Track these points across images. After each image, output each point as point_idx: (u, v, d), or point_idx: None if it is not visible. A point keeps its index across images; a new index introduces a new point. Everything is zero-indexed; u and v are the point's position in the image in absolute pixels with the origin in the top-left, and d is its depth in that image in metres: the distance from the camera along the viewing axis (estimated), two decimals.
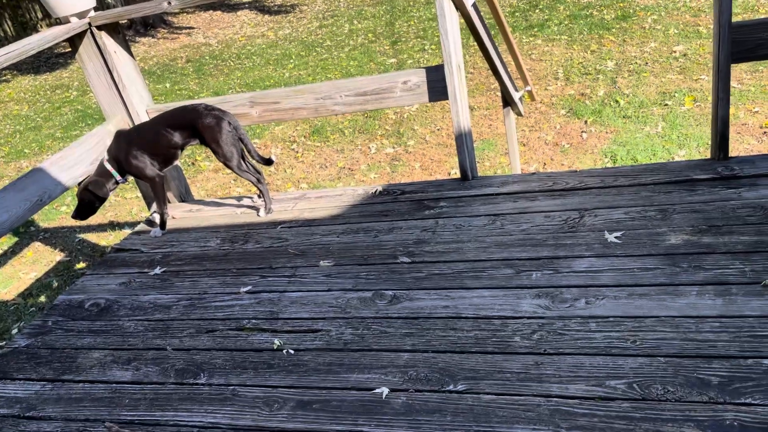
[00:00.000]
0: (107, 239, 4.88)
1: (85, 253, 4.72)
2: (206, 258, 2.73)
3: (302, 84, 7.80)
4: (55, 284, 4.33)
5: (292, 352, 2.04)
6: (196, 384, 2.00)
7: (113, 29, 3.00)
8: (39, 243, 5.04)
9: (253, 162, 2.98)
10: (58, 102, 9.64)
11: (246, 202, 3.18)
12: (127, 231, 4.92)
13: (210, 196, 5.31)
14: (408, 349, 1.93)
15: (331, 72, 8.10)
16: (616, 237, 2.20)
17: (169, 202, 3.34)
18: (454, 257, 2.32)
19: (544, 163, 4.71)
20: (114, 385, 2.08)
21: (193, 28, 12.97)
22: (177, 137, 2.85)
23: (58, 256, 4.76)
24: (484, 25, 2.98)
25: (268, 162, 2.98)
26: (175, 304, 2.45)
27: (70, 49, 2.59)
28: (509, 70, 3.44)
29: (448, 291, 2.14)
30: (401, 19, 10.12)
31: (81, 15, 2.90)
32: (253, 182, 2.94)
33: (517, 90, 3.49)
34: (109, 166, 2.83)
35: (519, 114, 3.69)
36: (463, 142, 2.77)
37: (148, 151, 2.85)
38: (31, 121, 8.87)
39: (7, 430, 1.98)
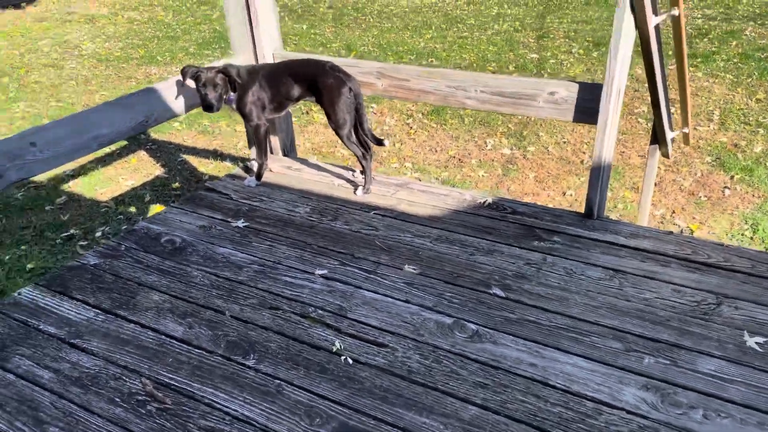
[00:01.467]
0: (207, 167, 4.88)
1: (183, 175, 4.73)
2: (291, 224, 2.56)
3: (435, 58, 7.52)
4: (147, 198, 4.36)
5: (350, 361, 1.84)
6: (243, 365, 1.84)
7: None
8: (144, 152, 5.12)
9: (364, 137, 2.77)
10: (200, 17, 9.85)
11: (346, 174, 2.99)
12: (228, 164, 4.89)
13: (315, 151, 5.19)
14: (478, 403, 1.68)
15: (467, 52, 7.75)
16: (757, 343, 1.82)
17: (272, 152, 3.20)
18: (555, 307, 2.02)
19: (673, 211, 4.23)
20: (163, 337, 1.96)
21: None
22: (295, 89, 2.70)
23: (158, 170, 4.80)
24: (660, 52, 2.59)
25: (379, 142, 2.77)
26: (247, 265, 2.30)
27: None
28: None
29: (540, 347, 1.85)
30: (554, 14, 9.54)
31: None
32: (358, 156, 2.74)
33: (672, 129, 3.06)
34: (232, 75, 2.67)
35: (665, 155, 3.26)
36: (599, 176, 2.43)
37: (266, 94, 2.71)
38: (171, 30, 9.11)
39: (48, 351, 1.91)
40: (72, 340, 1.95)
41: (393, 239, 2.43)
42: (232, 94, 2.69)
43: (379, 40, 8.37)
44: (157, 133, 5.45)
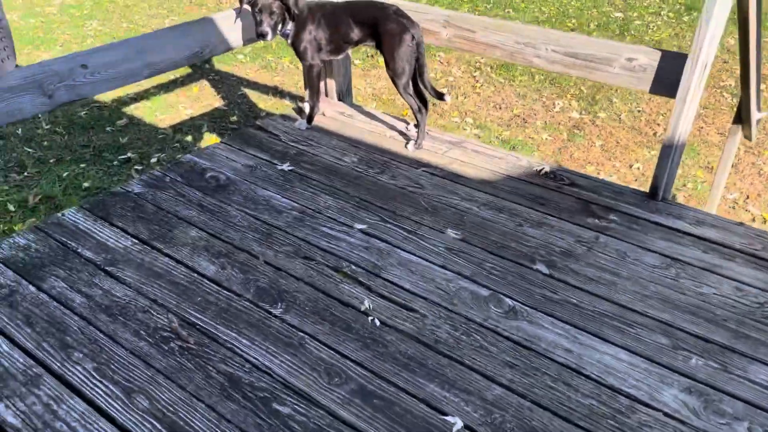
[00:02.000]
0: (266, 102, 4.83)
1: (242, 109, 4.71)
2: (337, 173, 2.49)
3: (512, 8, 7.15)
4: (205, 128, 4.37)
5: (377, 323, 1.78)
6: (270, 313, 1.80)
7: None
8: (206, 82, 5.11)
9: (422, 89, 2.64)
10: None
11: (400, 125, 2.87)
12: (287, 102, 4.83)
13: (375, 97, 5.06)
14: (504, 383, 1.60)
15: (547, 5, 7.33)
16: None
17: (326, 96, 3.11)
18: (602, 291, 1.89)
19: (747, 196, 3.94)
20: (195, 275, 1.95)
21: None
22: (356, 32, 2.57)
23: (218, 101, 4.80)
24: (759, 21, 2.32)
25: (440, 96, 2.63)
26: (287, 211, 2.26)
27: None
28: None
29: (579, 332, 1.74)
30: None
31: None
32: (413, 109, 2.61)
33: (760, 110, 2.79)
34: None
35: (748, 138, 3.00)
36: (670, 154, 2.24)
37: (324, 34, 2.59)
38: None
39: (83, 275, 1.93)
40: (107, 267, 1.96)
41: (438, 200, 2.33)
42: (289, 26, 2.58)
43: None
44: (220, 64, 5.43)
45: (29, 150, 3.93)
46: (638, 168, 4.24)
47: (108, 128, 4.26)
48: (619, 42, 2.30)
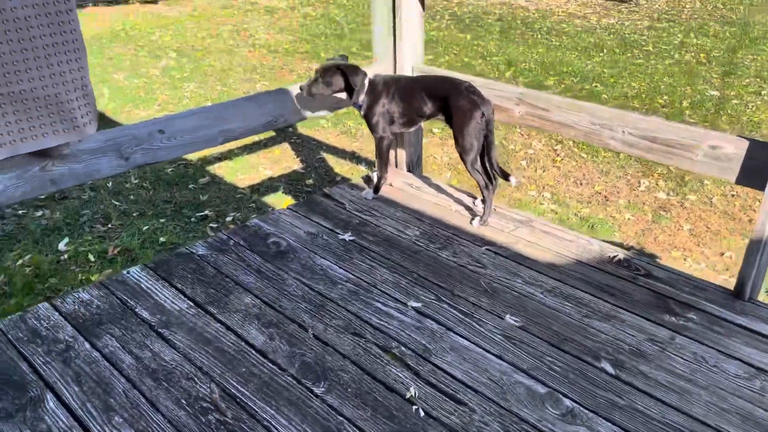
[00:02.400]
0: (342, 167, 4.92)
1: (318, 173, 4.81)
2: (397, 246, 2.45)
3: (600, 83, 7.04)
4: (281, 190, 4.47)
5: (422, 413, 1.68)
6: (311, 392, 1.74)
7: None
8: (288, 145, 5.28)
9: (490, 167, 2.59)
10: (369, 19, 10.09)
11: (467, 200, 2.81)
12: (362, 168, 4.90)
13: (450, 167, 5.05)
14: None
15: (637, 80, 7.18)
16: None
17: (396, 166, 3.11)
18: (673, 399, 1.71)
19: None
20: (243, 344, 1.93)
21: None
22: (428, 106, 2.57)
23: (297, 164, 4.93)
24: None
25: (506, 177, 2.56)
26: (342, 282, 2.22)
27: None
28: None
29: None
30: (748, 48, 8.58)
31: None
32: (480, 185, 2.55)
33: None
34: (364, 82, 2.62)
35: None
36: (760, 250, 2.04)
37: (397, 108, 2.61)
38: (339, 28, 9.40)
39: (136, 336, 1.95)
40: (160, 329, 1.98)
41: (500, 282, 2.23)
42: (362, 98, 2.62)
43: (544, 58, 8.03)
44: (302, 128, 5.61)
45: (116, 203, 4.15)
46: (730, 257, 3.95)
47: (191, 185, 4.44)
48: (702, 128, 2.16)
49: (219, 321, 2.02)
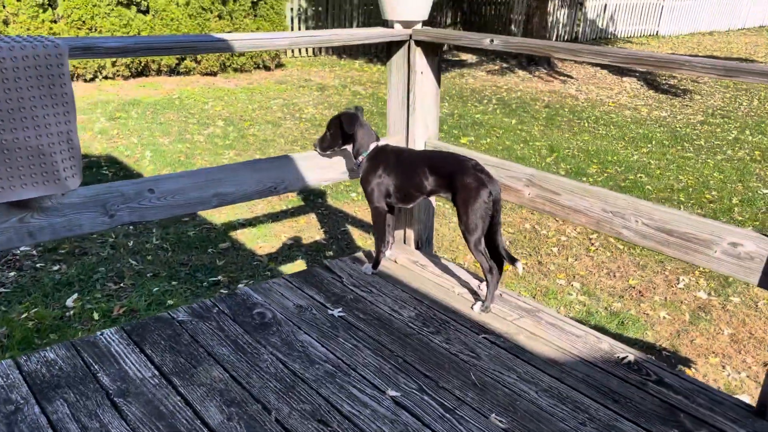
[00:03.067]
0: (365, 240, 4.82)
1: (340, 245, 4.72)
2: (387, 327, 2.29)
3: (645, 174, 6.82)
4: (299, 260, 4.40)
5: None
6: None
7: (431, 49, 2.72)
8: (314, 215, 5.24)
9: (497, 250, 2.44)
10: None
11: (473, 282, 2.64)
12: None
13: (459, 244, 4.86)
14: None
15: (685, 174, 6.94)
16: None
17: (405, 243, 2.98)
18: None
19: None
20: (198, 422, 1.78)
21: (571, 77, 12.65)
22: (429, 182, 2.46)
23: (319, 235, 4.86)
24: None
25: (512, 261, 2.40)
26: (320, 362, 2.06)
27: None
28: None
29: None
30: None
31: (407, 24, 2.68)
32: (483, 268, 2.39)
33: None
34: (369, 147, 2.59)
35: None
36: None
37: (395, 180, 2.51)
38: (384, 106, 9.57)
39: (89, 404, 1.83)
40: (116, 398, 1.86)
41: (492, 375, 2.02)
42: (360, 160, 2.55)
43: (588, 146, 7.90)
44: (332, 200, 5.59)
45: (133, 262, 4.14)
46: None
47: (210, 249, 4.42)
48: (722, 223, 1.97)
49: (180, 394, 1.89)
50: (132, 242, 4.43)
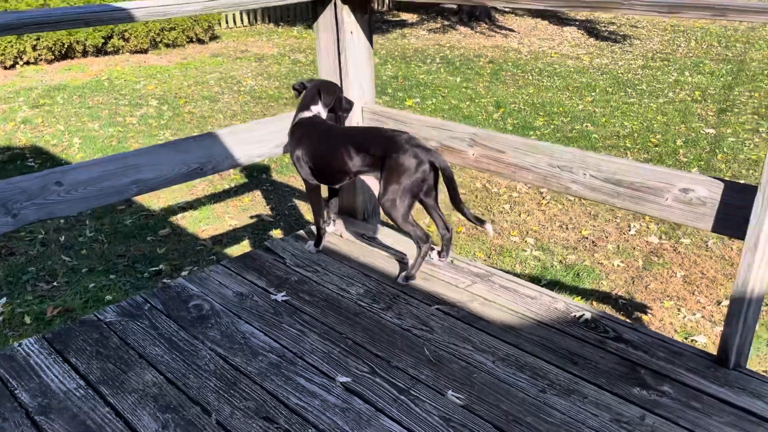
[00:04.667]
0: None
1: (287, 221, 4.55)
2: (335, 307, 2.15)
3: (591, 123, 6.81)
4: (245, 241, 4.21)
5: None
6: None
7: (360, 5, 2.53)
8: (259, 192, 5.04)
9: (438, 217, 2.31)
10: None
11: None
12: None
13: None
14: None
15: (630, 119, 6.96)
16: None
17: (351, 215, 2.84)
18: None
19: None
20: None
21: (513, 30, 12.55)
22: (355, 162, 2.24)
23: (265, 213, 4.67)
24: None
25: (481, 223, 2.28)
26: (264, 353, 1.92)
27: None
28: None
29: None
30: (745, 85, 8.38)
31: None
32: (416, 237, 2.24)
33: None
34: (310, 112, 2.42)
35: None
36: (742, 311, 1.74)
37: (314, 158, 2.33)
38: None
39: (7, 425, 1.65)
40: (37, 417, 1.68)
41: (447, 348, 1.92)
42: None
43: (534, 99, 7.84)
44: (277, 175, 5.38)
45: (66, 258, 3.89)
46: (727, 306, 3.61)
47: (149, 237, 4.19)
48: (673, 169, 1.88)
49: (109, 404, 1.72)
50: (63, 237, 4.16)
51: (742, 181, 1.75)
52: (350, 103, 2.50)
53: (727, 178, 1.76)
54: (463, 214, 2.29)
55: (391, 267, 2.42)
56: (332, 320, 2.08)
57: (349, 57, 2.56)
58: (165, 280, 3.66)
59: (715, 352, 1.85)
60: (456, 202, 2.26)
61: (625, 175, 1.94)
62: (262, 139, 2.48)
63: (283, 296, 2.22)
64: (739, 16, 1.56)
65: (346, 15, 2.51)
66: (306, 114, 2.38)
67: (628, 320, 2.89)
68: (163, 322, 2.09)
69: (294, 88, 2.48)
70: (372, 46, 2.64)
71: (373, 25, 2.63)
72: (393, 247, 2.57)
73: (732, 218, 1.73)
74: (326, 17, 2.57)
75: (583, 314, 2.06)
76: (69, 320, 3.23)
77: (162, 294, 2.26)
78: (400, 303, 2.17)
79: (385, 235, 2.68)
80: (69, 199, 1.98)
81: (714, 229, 1.78)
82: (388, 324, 2.05)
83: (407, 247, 2.55)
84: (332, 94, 2.39)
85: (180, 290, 2.28)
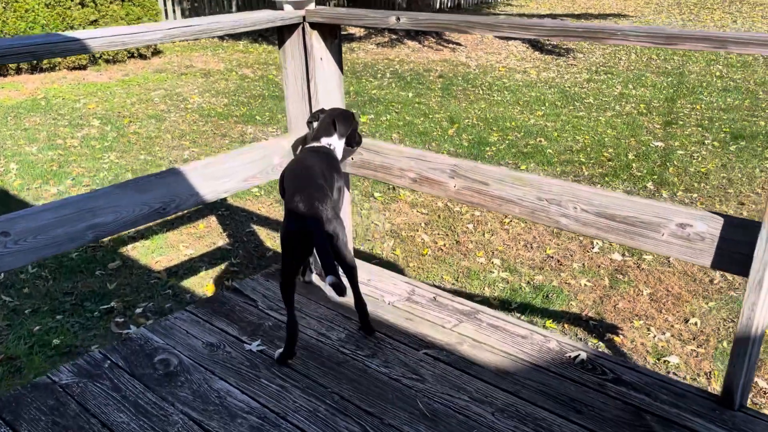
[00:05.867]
0: (275, 240, 4.47)
1: (247, 248, 4.35)
2: (316, 356, 2.00)
3: (544, 137, 6.86)
4: (202, 271, 3.99)
5: None
6: None
7: (329, 31, 2.41)
8: (215, 218, 4.81)
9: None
10: None
11: (401, 288, 2.40)
12: None
13: (394, 234, 4.66)
14: None
15: (581, 133, 7.04)
16: None
17: None
18: None
19: None
20: None
21: (460, 44, 12.65)
22: None
23: (222, 240, 4.46)
24: None
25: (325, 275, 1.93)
26: (242, 415, 1.75)
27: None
28: None
29: None
30: (686, 98, 8.64)
31: (298, 5, 2.35)
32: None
33: None
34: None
35: None
36: (747, 350, 1.68)
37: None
38: (278, 89, 9.10)
39: None
40: None
41: (442, 400, 1.80)
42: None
43: (486, 114, 7.86)
44: (233, 198, 5.17)
45: (6, 298, 3.58)
46: (695, 324, 3.63)
47: (98, 272, 3.91)
48: (669, 204, 1.83)
49: None
50: (3, 275, 3.84)
51: (741, 216, 1.70)
52: (361, 139, 2.36)
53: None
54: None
55: (371, 305, 2.28)
56: (315, 372, 1.93)
57: (319, 83, 2.43)
58: (118, 319, 3.41)
59: (718, 393, 1.79)
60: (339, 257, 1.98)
61: (618, 210, 1.87)
62: (229, 173, 2.31)
63: (258, 345, 2.06)
64: (739, 49, 1.52)
65: (315, 41, 2.38)
66: (313, 144, 2.21)
67: (621, 358, 2.85)
68: (126, 382, 1.89)
69: (308, 123, 2.31)
70: (342, 72, 2.51)
71: (342, 50, 2.50)
72: (369, 284, 2.43)
73: (733, 255, 1.67)
74: (294, 42, 2.43)
75: (579, 354, 1.97)
76: (14, 370, 2.95)
77: (123, 348, 2.05)
78: (386, 348, 2.04)
79: (367, 272, 2.54)
80: (16, 251, 1.77)
81: (714, 266, 1.72)
82: (375, 373, 1.92)
83: (383, 282, 2.42)
84: (350, 124, 2.24)
85: (143, 342, 2.08)
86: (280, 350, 1.99)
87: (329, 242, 1.86)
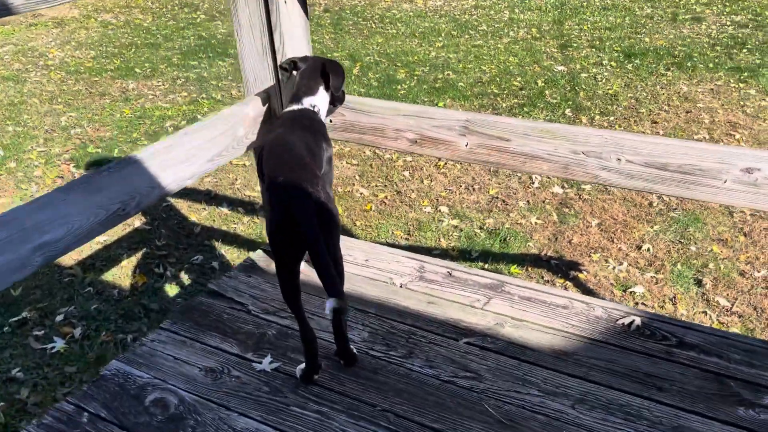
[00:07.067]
0: (199, 214, 3.97)
1: (170, 227, 3.81)
2: (344, 366, 1.68)
3: (451, 70, 6.66)
4: (124, 260, 3.44)
5: None
6: None
7: None
8: None
9: None
10: (183, 21, 8.88)
11: (405, 262, 2.10)
12: (225, 210, 3.98)
13: (356, 207, 4.29)
14: None
15: (486, 63, 6.91)
16: None
17: None
18: None
19: None
20: None
21: None
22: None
23: (137, 219, 3.88)
24: None
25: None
26: None
27: None
28: None
29: None
30: (572, 19, 8.75)
31: None
32: None
33: None
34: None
35: None
36: None
37: None
38: (151, 36, 8.14)
39: None
40: None
41: (511, 399, 1.56)
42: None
43: (386, 49, 7.51)
44: None
45: None
46: (648, 250, 3.66)
47: None
48: (731, 147, 1.65)
49: None
50: None
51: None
52: (344, 96, 1.95)
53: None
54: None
55: (383, 291, 1.98)
56: (352, 387, 1.62)
57: (285, 33, 1.99)
58: (37, 333, 2.84)
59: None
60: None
61: (672, 157, 1.68)
62: (193, 154, 1.85)
63: (270, 363, 1.70)
64: None
65: None
66: (293, 108, 1.78)
67: (673, 318, 2.75)
68: None
69: (281, 67, 1.86)
70: (308, 17, 2.08)
71: None
72: (370, 265, 2.12)
73: None
74: None
75: (633, 320, 1.80)
76: None
77: (99, 392, 1.61)
78: (420, 343, 1.76)
79: (352, 248, 2.21)
80: None
81: None
82: (422, 377, 1.64)
83: (384, 261, 2.11)
84: (343, 75, 1.82)
85: (123, 380, 1.65)
86: (302, 366, 1.65)
87: (325, 237, 1.48)
